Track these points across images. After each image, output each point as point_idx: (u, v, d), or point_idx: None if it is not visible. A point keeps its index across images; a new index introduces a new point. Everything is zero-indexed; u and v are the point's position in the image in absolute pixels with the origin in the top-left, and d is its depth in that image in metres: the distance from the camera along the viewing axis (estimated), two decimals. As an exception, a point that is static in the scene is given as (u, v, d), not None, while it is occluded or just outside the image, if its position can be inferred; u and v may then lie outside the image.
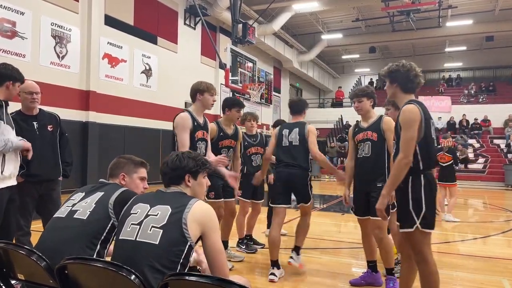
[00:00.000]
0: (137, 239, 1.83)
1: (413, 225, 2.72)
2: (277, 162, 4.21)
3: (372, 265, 3.88)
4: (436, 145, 2.92)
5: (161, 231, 1.81)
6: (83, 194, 2.22)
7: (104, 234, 2.06)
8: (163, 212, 1.88)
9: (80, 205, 2.14)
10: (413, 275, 2.96)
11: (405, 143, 2.70)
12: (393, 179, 2.75)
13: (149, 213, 1.90)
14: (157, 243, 1.79)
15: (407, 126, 2.70)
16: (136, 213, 1.94)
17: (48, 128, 3.78)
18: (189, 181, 2.10)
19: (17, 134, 3.34)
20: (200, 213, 1.90)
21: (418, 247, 2.76)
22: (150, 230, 1.83)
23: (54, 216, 2.17)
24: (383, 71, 3.00)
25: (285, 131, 4.14)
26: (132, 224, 1.90)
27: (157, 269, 1.73)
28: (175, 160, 2.11)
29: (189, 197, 2.01)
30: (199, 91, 3.71)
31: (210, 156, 3.81)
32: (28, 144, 3.26)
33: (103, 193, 2.18)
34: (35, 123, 3.68)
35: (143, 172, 2.48)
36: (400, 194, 2.83)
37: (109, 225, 2.08)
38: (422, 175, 2.76)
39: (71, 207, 2.15)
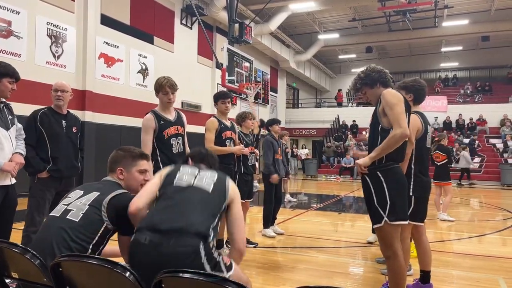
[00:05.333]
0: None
1: (381, 220, 2.77)
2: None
3: (421, 275, 3.55)
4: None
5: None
6: (82, 192, 2.18)
7: (96, 238, 2.02)
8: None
9: (74, 204, 2.10)
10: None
11: (398, 116, 2.71)
12: (383, 147, 2.74)
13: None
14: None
15: (394, 103, 2.75)
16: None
17: (73, 130, 3.92)
18: None
19: (47, 129, 3.65)
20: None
21: (388, 241, 2.80)
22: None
23: (50, 214, 2.15)
24: (357, 82, 3.04)
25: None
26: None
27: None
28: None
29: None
30: (155, 89, 3.64)
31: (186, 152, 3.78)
32: (8, 168, 3.13)
33: (98, 193, 2.13)
34: (64, 121, 3.82)
35: (143, 164, 2.38)
36: (367, 191, 2.87)
37: (102, 229, 2.04)
38: (388, 169, 2.80)
39: (66, 206, 2.11)
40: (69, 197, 2.19)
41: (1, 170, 3.12)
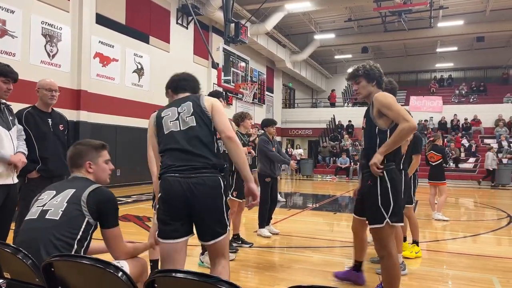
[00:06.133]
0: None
1: (383, 221, 2.80)
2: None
3: (356, 265, 3.85)
4: None
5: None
6: (54, 192, 2.14)
7: (80, 233, 2.00)
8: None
9: (51, 203, 2.07)
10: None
11: (400, 112, 2.75)
12: (393, 140, 2.76)
13: None
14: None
15: (390, 102, 2.79)
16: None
17: (60, 128, 3.87)
18: None
19: (33, 129, 3.57)
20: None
21: (385, 241, 2.85)
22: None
23: (26, 218, 2.09)
24: (358, 71, 3.05)
25: None
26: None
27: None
28: None
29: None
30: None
31: None
32: (15, 160, 3.19)
33: (74, 190, 2.10)
34: (49, 120, 3.77)
35: (106, 154, 2.38)
36: (369, 191, 2.88)
37: (84, 224, 2.02)
38: (389, 169, 2.84)
39: (42, 207, 2.07)
40: (41, 198, 2.14)
41: (7, 163, 3.15)
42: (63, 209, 2.02)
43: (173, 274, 1.41)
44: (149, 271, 2.49)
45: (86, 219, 2.03)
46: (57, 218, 1.99)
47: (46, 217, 2.01)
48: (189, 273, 1.39)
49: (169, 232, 2.29)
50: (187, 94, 2.57)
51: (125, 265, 2.08)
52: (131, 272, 1.78)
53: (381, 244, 2.86)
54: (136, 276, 2.04)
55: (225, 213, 2.35)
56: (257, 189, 2.49)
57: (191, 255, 4.69)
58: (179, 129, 2.38)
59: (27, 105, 3.81)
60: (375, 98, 2.86)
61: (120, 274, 1.48)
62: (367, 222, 3.14)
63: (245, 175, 2.43)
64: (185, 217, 2.30)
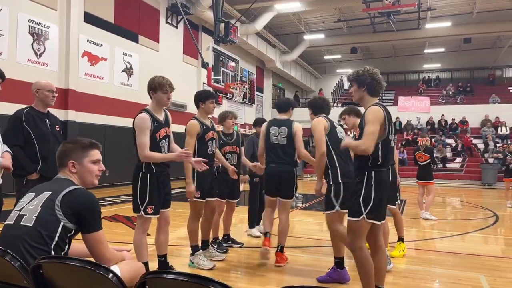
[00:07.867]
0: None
1: (360, 216, 2.96)
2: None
3: (338, 262, 3.96)
4: (392, 146, 3.19)
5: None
6: (33, 194, 2.04)
7: (56, 238, 1.90)
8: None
9: (27, 208, 1.96)
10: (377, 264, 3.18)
11: (367, 135, 2.90)
12: (354, 145, 3.01)
13: None
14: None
15: (372, 121, 2.92)
16: None
17: (57, 128, 3.88)
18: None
19: (34, 128, 3.58)
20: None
21: (357, 235, 3.01)
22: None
23: (5, 223, 2.00)
24: (351, 75, 3.19)
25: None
26: None
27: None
28: None
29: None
30: (151, 89, 3.54)
31: (174, 149, 3.71)
32: (7, 164, 3.17)
33: (50, 192, 1.99)
34: (47, 120, 3.77)
35: (95, 154, 2.20)
36: (356, 187, 3.04)
37: (60, 228, 1.91)
38: (378, 171, 2.99)
39: (19, 212, 1.98)
40: (21, 201, 2.04)
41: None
42: (37, 214, 1.92)
43: (164, 276, 1.40)
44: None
45: (62, 223, 1.92)
46: (31, 225, 1.89)
47: (21, 223, 1.91)
48: (180, 274, 1.38)
49: (269, 193, 4.45)
50: (285, 116, 4.55)
51: (116, 269, 2.01)
52: (123, 277, 1.72)
53: (353, 237, 3.00)
54: (129, 280, 1.98)
55: (294, 188, 4.43)
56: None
57: (181, 256, 4.67)
58: (277, 143, 4.39)
59: (18, 104, 3.80)
60: (367, 111, 3.01)
61: (110, 275, 1.46)
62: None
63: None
64: (276, 186, 4.38)
